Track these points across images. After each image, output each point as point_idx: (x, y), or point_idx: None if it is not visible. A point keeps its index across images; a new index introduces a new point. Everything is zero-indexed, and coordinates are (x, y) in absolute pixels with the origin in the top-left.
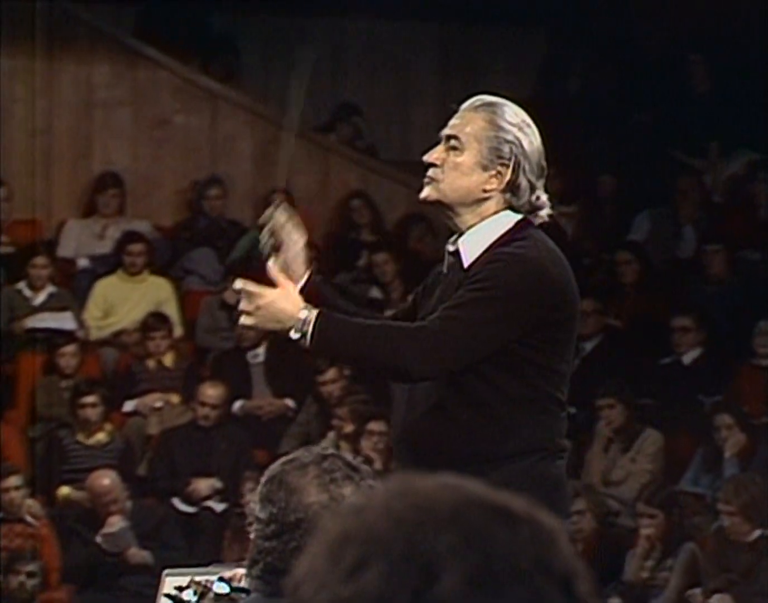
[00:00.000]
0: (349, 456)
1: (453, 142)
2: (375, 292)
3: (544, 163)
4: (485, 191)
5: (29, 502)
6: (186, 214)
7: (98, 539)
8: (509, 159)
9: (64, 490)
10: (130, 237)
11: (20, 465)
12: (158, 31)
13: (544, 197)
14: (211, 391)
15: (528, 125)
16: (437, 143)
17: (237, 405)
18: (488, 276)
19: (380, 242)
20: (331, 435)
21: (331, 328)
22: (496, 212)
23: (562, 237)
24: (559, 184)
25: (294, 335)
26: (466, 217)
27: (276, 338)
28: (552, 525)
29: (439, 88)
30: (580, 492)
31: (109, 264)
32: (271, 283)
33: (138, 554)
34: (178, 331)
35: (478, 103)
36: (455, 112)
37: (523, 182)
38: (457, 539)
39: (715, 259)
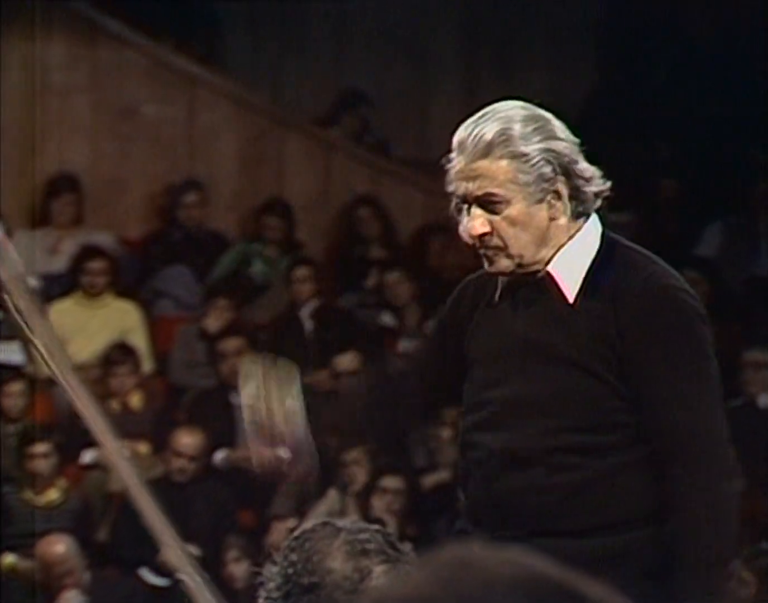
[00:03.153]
0: (394, 537)
1: (492, 200)
2: (386, 319)
3: (575, 139)
4: (553, 219)
5: None
6: (157, 225)
7: None
8: (557, 173)
9: (9, 559)
10: (89, 252)
11: None
12: (124, 2)
13: (592, 171)
14: (188, 439)
15: (541, 120)
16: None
17: (219, 456)
18: (681, 341)
19: (393, 258)
20: (334, 493)
21: None
22: (570, 229)
23: None
24: (609, 188)
25: None
26: (544, 253)
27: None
28: None
29: (463, 72)
30: None
31: (63, 284)
32: None
33: None
34: (147, 366)
35: (479, 145)
36: (450, 160)
37: (580, 182)
38: None
39: None
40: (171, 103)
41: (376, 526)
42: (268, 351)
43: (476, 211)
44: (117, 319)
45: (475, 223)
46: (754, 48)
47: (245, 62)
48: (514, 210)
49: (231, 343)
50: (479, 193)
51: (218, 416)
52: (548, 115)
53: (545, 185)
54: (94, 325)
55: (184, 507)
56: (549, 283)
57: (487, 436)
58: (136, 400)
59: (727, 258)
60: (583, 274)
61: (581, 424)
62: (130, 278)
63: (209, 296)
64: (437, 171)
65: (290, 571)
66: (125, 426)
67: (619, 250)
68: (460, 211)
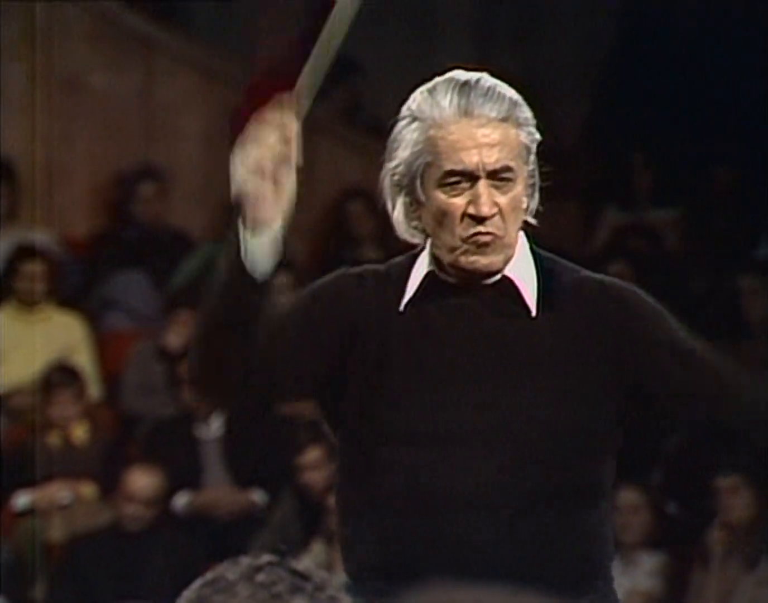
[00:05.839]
0: (295, 562)
1: (505, 176)
2: None
3: None
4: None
5: None
6: (107, 222)
7: None
8: (533, 161)
9: None
10: (24, 253)
11: None
12: None
13: None
14: (143, 480)
15: None
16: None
17: (181, 500)
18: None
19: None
20: (319, 543)
21: None
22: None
23: (656, 252)
24: (652, 178)
25: None
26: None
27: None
28: None
29: (475, 34)
30: None
31: None
32: None
33: None
34: (94, 391)
35: (498, 104)
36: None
37: (534, 184)
38: None
39: None
40: (123, 72)
41: (267, 558)
42: None
43: (487, 187)
44: (58, 335)
45: (488, 201)
46: None
47: (212, 24)
48: (517, 191)
49: None
50: (498, 165)
51: (180, 452)
52: None
53: (531, 170)
54: (31, 341)
55: (138, 561)
56: (505, 292)
57: (428, 476)
58: (80, 432)
59: None
60: (535, 284)
61: (561, 459)
62: (74, 285)
63: (169, 307)
64: None
65: None
66: (67, 463)
67: (548, 260)
68: (440, 187)
